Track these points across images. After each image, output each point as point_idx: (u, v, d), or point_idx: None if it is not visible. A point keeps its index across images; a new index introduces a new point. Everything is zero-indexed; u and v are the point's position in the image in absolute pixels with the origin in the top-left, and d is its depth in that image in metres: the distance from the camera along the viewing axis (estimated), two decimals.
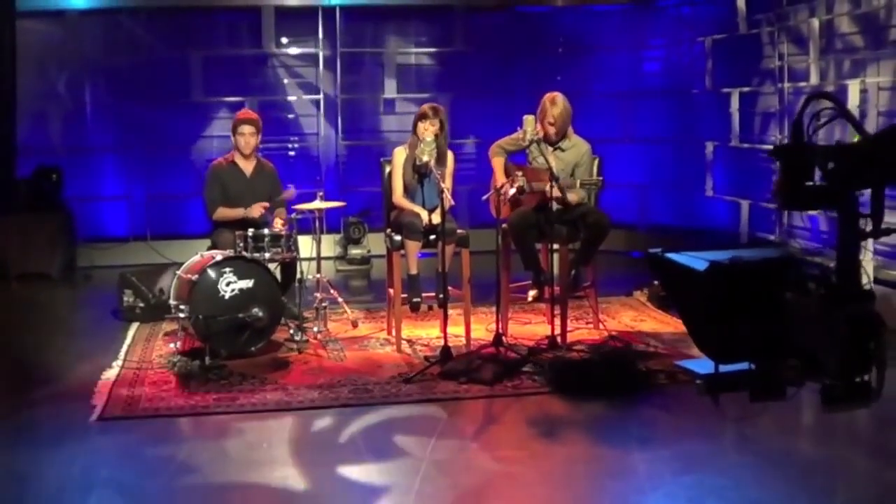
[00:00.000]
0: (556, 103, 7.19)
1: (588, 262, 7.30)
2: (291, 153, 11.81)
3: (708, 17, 11.02)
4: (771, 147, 7.50)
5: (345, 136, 11.85)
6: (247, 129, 7.69)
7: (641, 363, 6.43)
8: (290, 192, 7.53)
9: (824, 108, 3.72)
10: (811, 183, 3.56)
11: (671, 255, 4.06)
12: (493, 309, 7.12)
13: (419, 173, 7.22)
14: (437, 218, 6.95)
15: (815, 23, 8.80)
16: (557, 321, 7.00)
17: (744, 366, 3.73)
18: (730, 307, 3.69)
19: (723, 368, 3.82)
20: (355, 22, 11.81)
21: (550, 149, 7.24)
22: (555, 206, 6.84)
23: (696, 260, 3.82)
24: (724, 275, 3.70)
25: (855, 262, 3.66)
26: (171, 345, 6.96)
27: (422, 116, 7.26)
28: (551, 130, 7.20)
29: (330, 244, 11.17)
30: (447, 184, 7.03)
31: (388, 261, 7.48)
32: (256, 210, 7.46)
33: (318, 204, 7.29)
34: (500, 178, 7.21)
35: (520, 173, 7.09)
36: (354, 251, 11.12)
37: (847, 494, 4.67)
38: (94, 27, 11.18)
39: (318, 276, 7.49)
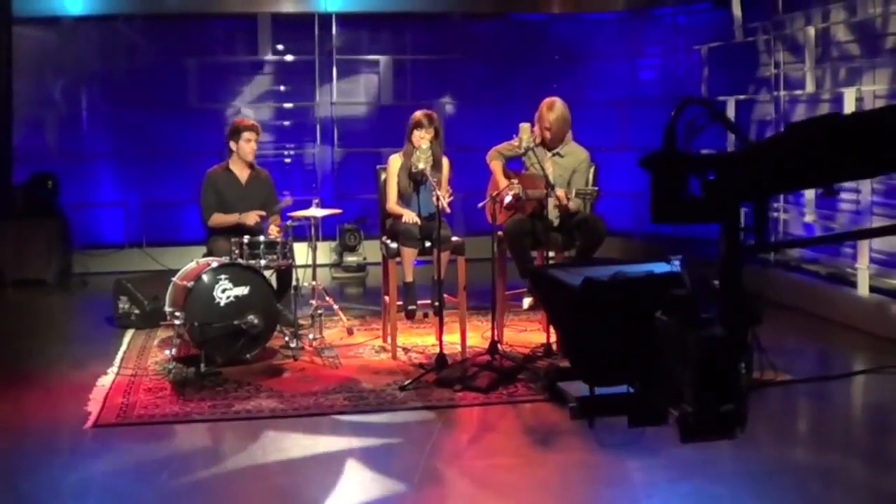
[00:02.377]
0: (553, 109, 7.19)
1: None
2: (287, 160, 11.81)
3: (704, 24, 11.04)
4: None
5: (340, 143, 11.86)
6: (251, 135, 7.69)
7: None
8: (287, 200, 7.53)
9: (700, 115, 3.46)
10: (686, 195, 3.32)
11: (551, 271, 3.92)
12: (489, 316, 7.12)
13: (415, 181, 7.22)
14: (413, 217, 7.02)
15: (811, 31, 8.82)
16: (553, 329, 7.00)
17: (623, 388, 3.50)
18: (604, 326, 3.47)
19: (600, 391, 3.62)
20: (351, 29, 11.83)
21: (548, 155, 7.24)
22: (551, 213, 6.85)
23: (575, 276, 3.62)
24: (599, 292, 3.49)
25: (737, 281, 3.35)
26: (167, 351, 6.95)
27: (416, 125, 7.26)
28: (547, 135, 7.20)
29: (325, 251, 11.16)
30: (443, 190, 7.04)
31: (383, 268, 7.48)
32: (251, 218, 7.44)
33: (313, 211, 7.29)
34: (500, 181, 7.20)
35: (516, 180, 7.10)
36: (350, 258, 11.12)
37: (843, 502, 4.67)
38: (90, 34, 11.18)
39: (314, 283, 7.48)
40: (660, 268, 3.68)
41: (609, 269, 3.67)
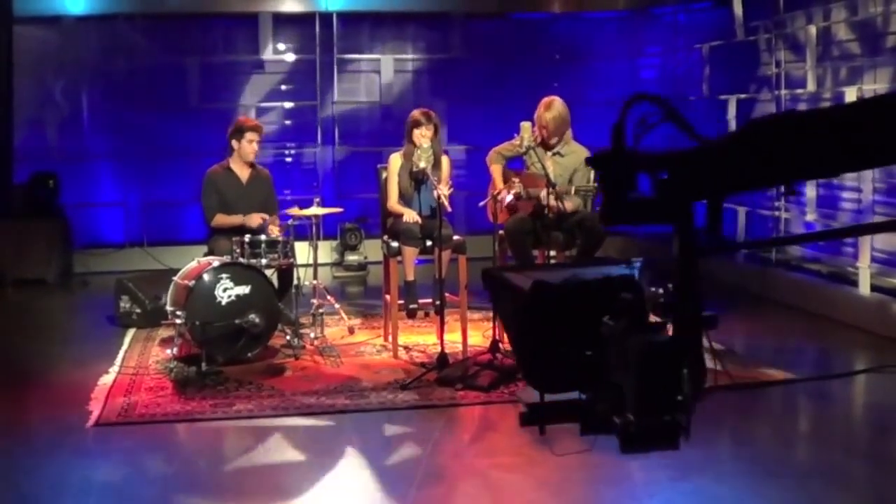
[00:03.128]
0: (551, 108, 7.19)
1: None
2: (288, 159, 11.82)
3: (705, 24, 11.04)
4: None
5: (341, 142, 11.86)
6: (253, 136, 7.68)
7: None
8: (272, 227, 7.46)
9: (653, 112, 3.23)
10: (637, 195, 3.13)
11: (502, 273, 3.81)
12: (490, 315, 7.12)
13: (416, 180, 7.22)
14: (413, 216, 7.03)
15: (812, 30, 8.82)
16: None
17: (575, 395, 3.34)
18: (554, 331, 3.29)
19: (553, 397, 3.46)
20: (352, 28, 11.84)
21: (549, 154, 7.24)
22: (551, 213, 6.85)
23: (528, 279, 3.47)
24: (549, 295, 3.33)
25: (691, 284, 3.18)
26: (168, 351, 6.96)
27: (415, 123, 7.26)
28: (545, 134, 7.20)
29: (327, 250, 11.16)
30: (444, 188, 7.04)
31: (384, 267, 7.48)
32: (255, 220, 7.43)
33: (314, 210, 7.29)
34: (498, 184, 7.21)
35: (517, 180, 7.10)
36: (351, 257, 11.12)
37: (843, 502, 4.67)
38: (91, 33, 11.18)
39: (315, 282, 7.48)
40: (618, 271, 3.56)
41: (565, 273, 3.54)
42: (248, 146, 7.66)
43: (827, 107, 2.67)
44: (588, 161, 3.10)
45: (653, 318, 3.10)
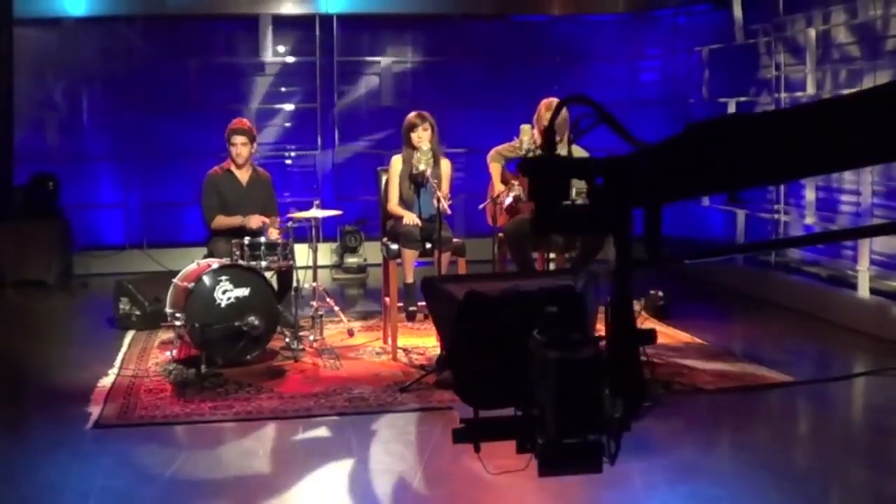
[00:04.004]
0: (551, 109, 7.19)
1: None
2: (288, 162, 11.81)
3: (704, 26, 11.04)
4: None
5: (341, 144, 11.86)
6: (238, 139, 7.69)
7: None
8: (271, 230, 7.49)
9: (587, 115, 3.18)
10: (569, 202, 2.97)
11: (440, 282, 3.66)
12: None
13: (415, 182, 7.23)
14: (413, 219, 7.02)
15: (812, 33, 8.82)
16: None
17: (511, 411, 3.18)
18: (487, 344, 3.12)
19: (488, 413, 3.31)
20: (352, 31, 11.83)
21: None
22: None
23: (464, 289, 3.34)
24: (483, 306, 3.20)
25: (626, 297, 2.97)
26: (167, 353, 6.96)
27: (411, 127, 7.26)
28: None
29: (326, 253, 11.16)
30: (444, 190, 7.04)
31: (384, 269, 7.48)
32: (255, 221, 7.44)
33: (314, 212, 7.29)
34: (497, 185, 7.21)
35: (516, 182, 7.10)
36: (350, 260, 11.12)
37: None
38: (91, 35, 11.18)
39: (315, 284, 7.49)
40: (561, 283, 3.38)
41: (506, 284, 3.40)
42: (234, 149, 7.68)
43: (771, 110, 2.53)
44: (517, 167, 2.96)
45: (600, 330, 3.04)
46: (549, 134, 2.99)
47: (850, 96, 2.03)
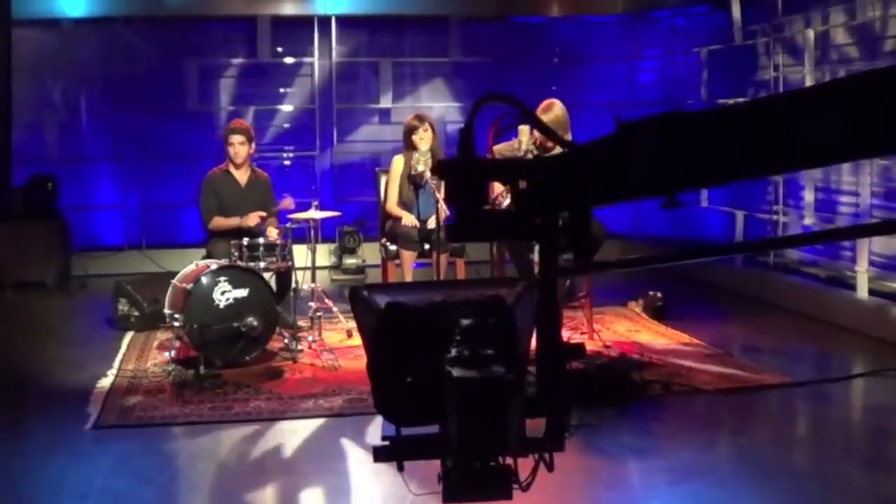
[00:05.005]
0: (549, 110, 7.18)
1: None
2: (287, 162, 11.81)
3: (703, 27, 11.05)
4: None
5: (340, 145, 11.86)
6: (236, 138, 7.71)
7: (636, 373, 6.43)
8: (287, 201, 7.54)
9: (506, 114, 3.04)
10: (489, 207, 2.79)
11: (365, 291, 3.51)
12: None
13: (414, 184, 7.22)
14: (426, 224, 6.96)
15: (811, 34, 8.82)
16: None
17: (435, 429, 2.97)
18: (408, 357, 2.91)
19: (411, 430, 3.12)
20: (351, 31, 11.84)
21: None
22: None
23: (388, 298, 3.16)
24: (404, 317, 2.97)
25: (553, 309, 2.82)
26: (166, 354, 6.96)
27: (411, 129, 7.28)
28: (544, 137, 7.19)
29: (325, 254, 11.15)
30: (443, 192, 7.03)
31: (382, 270, 7.49)
32: (253, 219, 7.46)
33: (313, 213, 7.29)
34: (495, 186, 7.20)
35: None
36: (349, 261, 11.12)
37: None
38: (89, 36, 11.18)
39: (313, 285, 7.48)
40: (491, 294, 3.14)
41: (437, 293, 3.18)
42: (232, 149, 7.71)
43: (710, 109, 2.32)
44: (434, 169, 2.88)
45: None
46: (467, 135, 2.86)
47: (798, 92, 1.90)
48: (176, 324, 6.68)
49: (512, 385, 2.63)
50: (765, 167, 2.09)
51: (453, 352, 2.67)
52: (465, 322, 2.72)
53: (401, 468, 3.14)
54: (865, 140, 1.69)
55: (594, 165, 2.53)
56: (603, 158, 2.49)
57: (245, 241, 7.00)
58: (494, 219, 2.95)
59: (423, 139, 7.18)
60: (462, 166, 2.82)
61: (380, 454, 3.13)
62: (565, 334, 7.26)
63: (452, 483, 2.75)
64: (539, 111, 7.22)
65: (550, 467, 3.01)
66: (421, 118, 7.30)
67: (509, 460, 2.79)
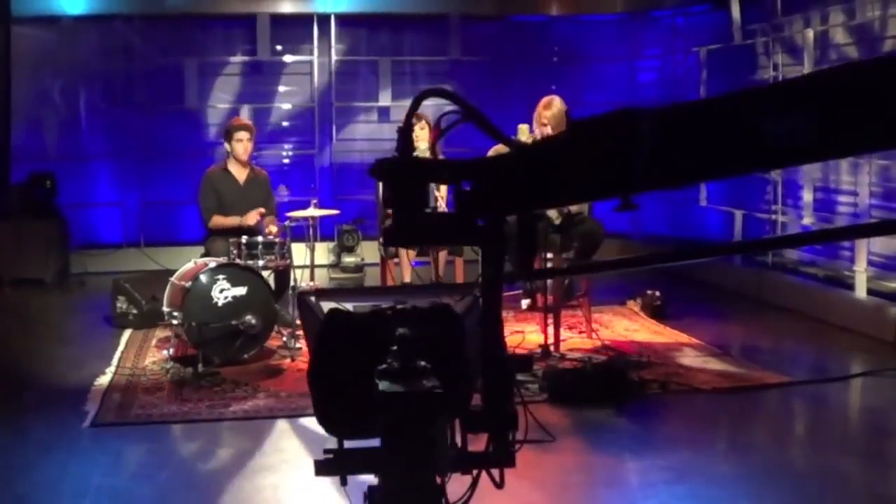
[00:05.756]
0: (549, 106, 7.18)
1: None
2: (286, 161, 11.81)
3: (702, 27, 11.05)
4: None
5: (339, 143, 11.86)
6: (244, 134, 7.71)
7: (634, 372, 6.43)
8: (283, 189, 7.55)
9: (449, 112, 2.86)
10: (430, 210, 2.65)
11: (311, 298, 3.36)
12: None
13: None
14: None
15: (810, 33, 8.82)
16: (551, 330, 7.01)
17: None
18: (350, 367, 2.78)
19: (355, 443, 3.04)
20: (350, 30, 11.84)
21: None
22: (552, 213, 6.85)
23: (340, 305, 3.04)
24: (346, 325, 2.85)
25: (496, 320, 2.63)
26: (164, 351, 6.95)
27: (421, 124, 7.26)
28: (546, 131, 7.19)
29: (323, 252, 11.15)
30: (442, 191, 7.04)
31: (381, 269, 7.48)
32: (252, 217, 7.46)
33: (312, 212, 7.29)
34: None
35: None
36: (348, 259, 11.11)
37: None
38: (88, 33, 11.18)
39: (312, 283, 7.48)
40: (440, 301, 3.05)
41: (387, 300, 3.08)
42: (238, 145, 7.70)
43: (666, 105, 2.00)
44: (370, 171, 2.68)
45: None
46: (406, 133, 2.72)
47: (763, 88, 1.80)
48: (174, 322, 6.68)
49: (441, 400, 2.48)
50: (725, 166, 1.95)
51: (385, 363, 2.55)
52: (402, 332, 2.57)
53: (344, 482, 3.07)
54: (833, 138, 1.62)
55: (544, 166, 2.37)
56: (553, 158, 2.35)
57: (244, 239, 7.00)
58: (436, 222, 2.77)
59: (420, 137, 7.16)
60: (401, 166, 2.67)
61: (321, 468, 3.05)
62: (564, 334, 7.27)
63: (376, 501, 2.72)
64: (540, 107, 7.22)
65: (499, 484, 2.91)
66: (419, 116, 7.29)
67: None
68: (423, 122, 7.32)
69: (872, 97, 1.54)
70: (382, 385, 2.50)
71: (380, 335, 2.67)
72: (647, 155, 2.00)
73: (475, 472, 3.01)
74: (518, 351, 7.04)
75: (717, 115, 1.87)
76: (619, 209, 2.03)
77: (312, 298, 3.24)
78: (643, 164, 2.02)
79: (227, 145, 7.77)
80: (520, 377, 6.33)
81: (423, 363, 2.56)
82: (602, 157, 2.15)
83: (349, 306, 3.06)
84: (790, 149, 1.71)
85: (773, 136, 1.72)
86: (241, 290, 6.72)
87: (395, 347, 2.54)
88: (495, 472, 2.97)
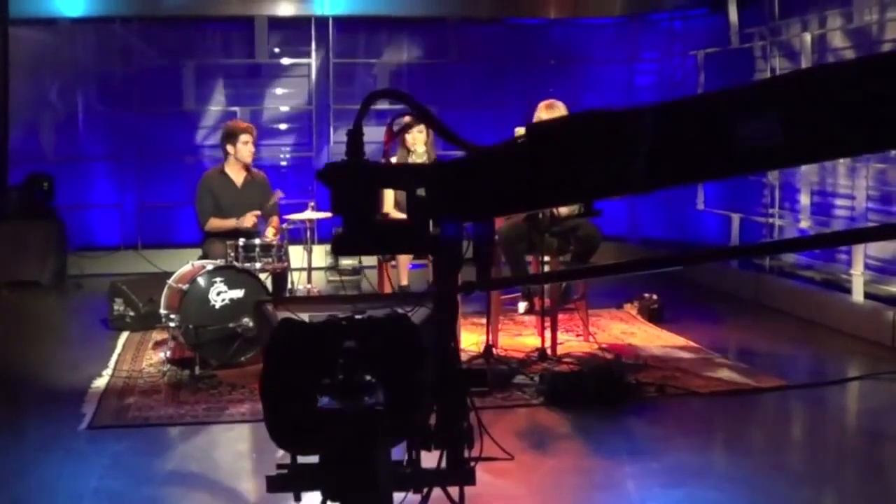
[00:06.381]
0: (552, 108, 7.14)
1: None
2: (283, 163, 11.81)
3: (700, 30, 11.06)
4: None
5: (336, 146, 11.86)
6: (248, 137, 7.70)
7: (631, 375, 6.43)
8: (277, 193, 7.56)
9: (403, 115, 2.76)
10: (380, 216, 2.53)
11: (268, 306, 3.25)
12: (484, 320, 7.11)
13: None
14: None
15: (808, 37, 8.83)
16: (548, 333, 7.01)
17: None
18: (297, 380, 2.66)
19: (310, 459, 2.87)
20: (348, 32, 11.83)
21: None
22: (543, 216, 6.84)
23: (298, 314, 2.95)
24: (297, 335, 2.73)
25: (450, 333, 2.54)
26: (161, 354, 6.95)
27: (406, 126, 7.25)
28: None
29: (321, 254, 11.14)
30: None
31: (378, 272, 7.48)
32: (249, 220, 7.46)
33: (309, 214, 7.29)
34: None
35: None
36: (345, 262, 11.10)
37: None
38: (86, 35, 11.18)
39: (309, 286, 7.48)
40: (397, 311, 2.93)
41: (346, 309, 2.96)
42: (244, 148, 7.68)
43: (628, 108, 1.92)
44: (317, 175, 2.59)
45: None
46: (355, 136, 2.58)
47: (734, 90, 1.74)
48: (171, 324, 6.68)
49: (382, 418, 2.37)
50: (691, 171, 1.88)
51: (328, 378, 2.45)
52: (349, 344, 2.49)
53: (298, 499, 2.95)
54: (803, 143, 1.58)
55: (501, 171, 2.27)
56: (511, 163, 2.24)
57: (241, 241, 7.00)
58: (387, 230, 2.66)
59: (417, 140, 7.16)
60: (349, 171, 2.55)
61: (273, 484, 2.94)
62: (561, 337, 7.26)
63: None
64: (541, 110, 7.20)
65: (457, 502, 2.82)
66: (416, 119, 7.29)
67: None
68: (422, 125, 7.32)
69: (838, 100, 1.52)
70: (321, 401, 2.41)
71: (332, 346, 2.57)
72: (607, 159, 1.93)
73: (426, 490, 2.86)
74: (513, 355, 7.05)
75: (677, 118, 1.81)
76: (581, 215, 2.01)
77: (269, 307, 3.17)
78: (604, 169, 1.95)
79: (228, 148, 7.72)
80: (516, 380, 6.37)
81: (368, 378, 2.44)
82: (561, 162, 2.06)
83: (305, 316, 2.97)
84: (756, 150, 1.67)
85: (740, 138, 1.68)
86: (238, 293, 6.71)
87: (342, 360, 2.45)
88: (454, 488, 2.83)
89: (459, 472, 2.72)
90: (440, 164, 2.64)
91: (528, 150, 2.17)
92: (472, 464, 2.80)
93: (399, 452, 3.20)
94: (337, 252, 2.55)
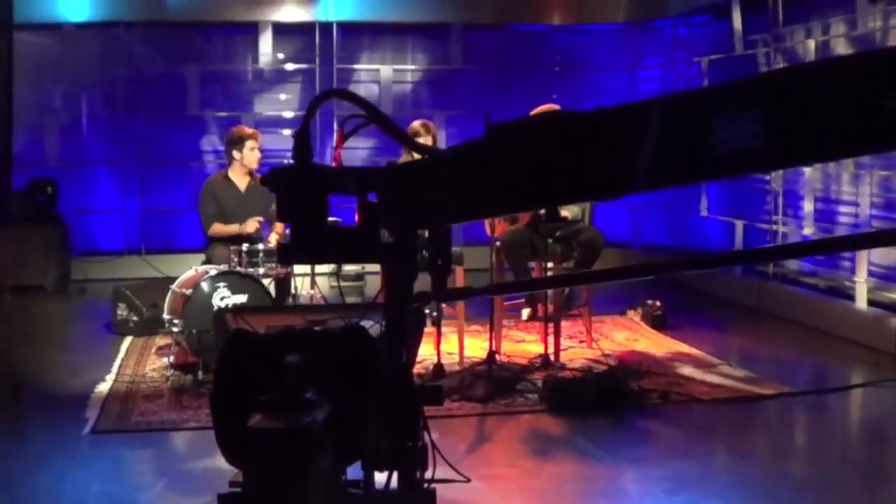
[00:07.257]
0: None
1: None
2: None
3: (704, 37, 11.06)
4: None
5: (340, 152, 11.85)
6: (255, 143, 7.70)
7: (634, 382, 6.43)
8: (278, 233, 7.55)
9: (354, 115, 2.59)
10: (333, 222, 2.32)
11: (228, 315, 3.16)
12: (487, 327, 7.12)
13: None
14: None
15: (811, 44, 8.82)
16: (551, 339, 7.01)
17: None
18: (247, 393, 2.51)
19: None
20: (352, 38, 11.85)
21: None
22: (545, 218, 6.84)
23: (257, 326, 2.81)
24: (250, 347, 2.66)
25: (400, 346, 2.39)
26: (165, 359, 6.95)
27: (414, 134, 7.26)
28: None
29: None
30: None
31: (382, 277, 7.47)
32: (251, 225, 7.45)
33: None
34: None
35: None
36: (349, 267, 11.10)
37: None
38: (90, 41, 11.20)
39: (312, 291, 7.48)
40: (352, 323, 2.83)
41: (314, 319, 2.87)
42: (251, 154, 7.68)
43: (601, 108, 1.84)
44: (262, 180, 2.34)
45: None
46: (302, 139, 2.42)
47: (710, 88, 1.70)
48: (175, 329, 6.68)
49: (318, 437, 2.27)
50: (664, 175, 1.78)
51: (272, 392, 2.36)
52: (291, 359, 2.39)
53: None
54: (783, 144, 1.53)
55: (460, 173, 2.17)
56: (470, 165, 2.14)
57: (245, 246, 6.99)
58: (337, 237, 2.54)
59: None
60: (297, 176, 2.43)
61: (224, 502, 2.78)
62: (564, 344, 7.26)
63: None
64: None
65: None
66: (427, 127, 7.32)
67: None
68: (430, 133, 7.33)
69: (818, 100, 1.48)
70: (253, 419, 2.31)
71: (279, 360, 2.46)
72: (576, 161, 1.84)
73: None
74: (517, 361, 7.05)
75: (657, 116, 1.73)
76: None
77: (228, 316, 3.11)
78: (572, 170, 1.85)
79: (234, 153, 7.71)
80: (519, 386, 6.36)
81: (310, 394, 2.34)
82: (526, 164, 1.96)
83: (261, 327, 2.87)
84: (739, 154, 1.62)
85: (719, 140, 1.62)
86: (241, 298, 6.71)
87: (287, 374, 2.36)
88: None
89: (414, 496, 2.57)
90: (395, 168, 2.56)
91: (489, 151, 2.08)
92: (428, 486, 2.71)
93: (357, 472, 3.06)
94: (282, 261, 2.47)
